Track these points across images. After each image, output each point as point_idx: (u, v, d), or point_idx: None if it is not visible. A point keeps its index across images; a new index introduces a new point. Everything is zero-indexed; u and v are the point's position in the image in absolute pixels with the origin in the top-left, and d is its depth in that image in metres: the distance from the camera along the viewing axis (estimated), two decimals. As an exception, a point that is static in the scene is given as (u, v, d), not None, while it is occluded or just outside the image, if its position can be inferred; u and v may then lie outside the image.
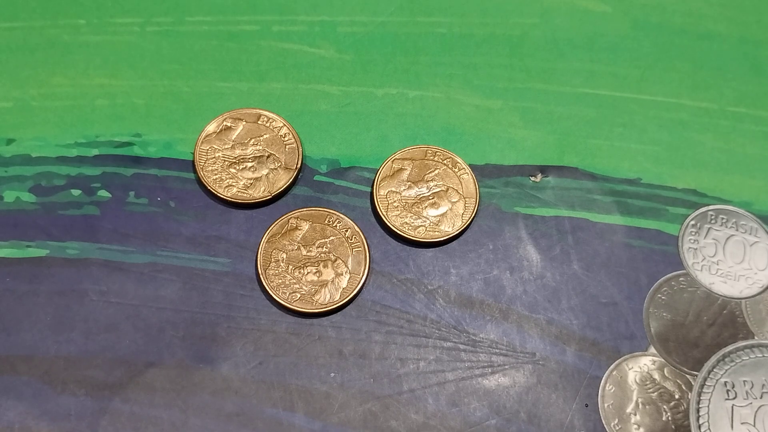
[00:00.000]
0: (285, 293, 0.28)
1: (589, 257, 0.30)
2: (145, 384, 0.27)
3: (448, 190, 0.30)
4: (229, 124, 0.31)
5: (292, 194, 0.31)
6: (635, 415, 0.27)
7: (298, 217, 0.30)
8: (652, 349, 0.28)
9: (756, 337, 0.27)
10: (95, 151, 0.31)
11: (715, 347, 0.27)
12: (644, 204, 0.31)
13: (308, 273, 0.29)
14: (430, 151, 0.31)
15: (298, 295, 0.28)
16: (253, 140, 0.31)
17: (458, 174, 0.31)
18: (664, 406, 0.27)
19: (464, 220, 0.30)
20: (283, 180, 0.30)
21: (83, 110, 0.32)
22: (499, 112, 0.33)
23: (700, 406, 0.24)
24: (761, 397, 0.24)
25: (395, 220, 0.30)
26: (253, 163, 0.31)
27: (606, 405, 0.27)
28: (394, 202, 0.30)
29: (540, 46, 0.34)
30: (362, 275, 0.29)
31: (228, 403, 0.27)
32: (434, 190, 0.30)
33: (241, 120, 0.32)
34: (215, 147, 0.31)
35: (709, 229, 0.29)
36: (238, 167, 0.30)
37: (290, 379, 0.27)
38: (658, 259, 0.30)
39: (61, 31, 0.34)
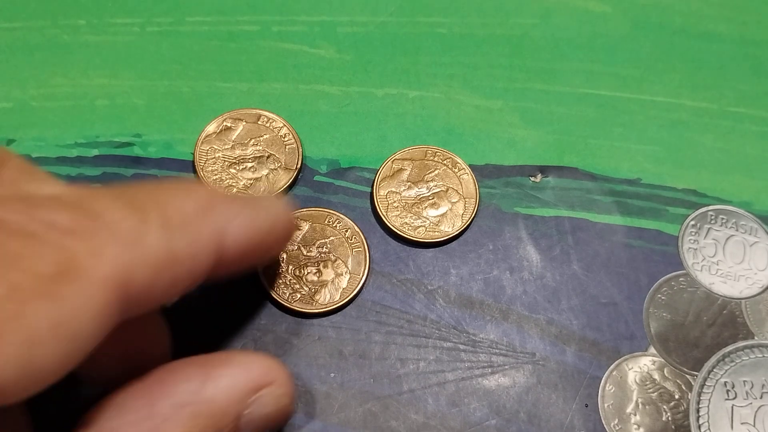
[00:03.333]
0: (285, 293, 0.28)
1: (589, 257, 0.30)
2: (145, 384, 0.27)
3: (448, 190, 0.30)
4: (229, 125, 0.31)
5: (292, 194, 0.31)
6: (635, 415, 0.27)
7: (298, 218, 0.30)
8: (652, 350, 0.28)
9: (756, 338, 0.27)
10: (95, 152, 0.31)
11: (715, 347, 0.27)
12: (644, 204, 0.31)
13: (308, 273, 0.29)
14: (430, 152, 0.31)
15: (299, 295, 0.28)
16: (253, 140, 0.31)
17: (458, 174, 0.31)
18: (664, 407, 0.27)
19: (464, 221, 0.30)
20: (283, 180, 0.30)
21: (83, 110, 0.32)
22: (499, 112, 0.33)
23: (700, 406, 0.24)
24: (761, 397, 0.24)
25: (395, 220, 0.30)
26: (253, 164, 0.31)
27: (606, 405, 0.27)
28: (394, 202, 0.30)
29: (540, 47, 0.34)
30: (362, 275, 0.29)
31: (228, 403, 0.27)
32: (434, 191, 0.30)
33: (241, 120, 0.32)
34: (215, 147, 0.31)
35: (709, 229, 0.29)
36: (238, 167, 0.31)
37: (290, 379, 0.27)
38: (658, 260, 0.30)
39: (61, 31, 0.34)
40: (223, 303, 0.28)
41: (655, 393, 0.27)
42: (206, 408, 0.19)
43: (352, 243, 0.29)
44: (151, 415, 0.19)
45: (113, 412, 0.19)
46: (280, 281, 0.28)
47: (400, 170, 0.31)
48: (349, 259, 0.29)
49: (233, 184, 0.30)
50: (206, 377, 0.20)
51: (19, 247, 0.16)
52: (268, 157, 0.31)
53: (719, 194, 0.31)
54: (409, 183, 0.31)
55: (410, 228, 0.30)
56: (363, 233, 0.29)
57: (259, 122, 0.32)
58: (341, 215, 0.30)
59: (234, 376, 0.21)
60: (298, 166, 0.31)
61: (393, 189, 0.30)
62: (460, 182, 0.31)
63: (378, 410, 0.27)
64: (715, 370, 0.25)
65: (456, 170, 0.31)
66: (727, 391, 0.25)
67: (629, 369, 0.28)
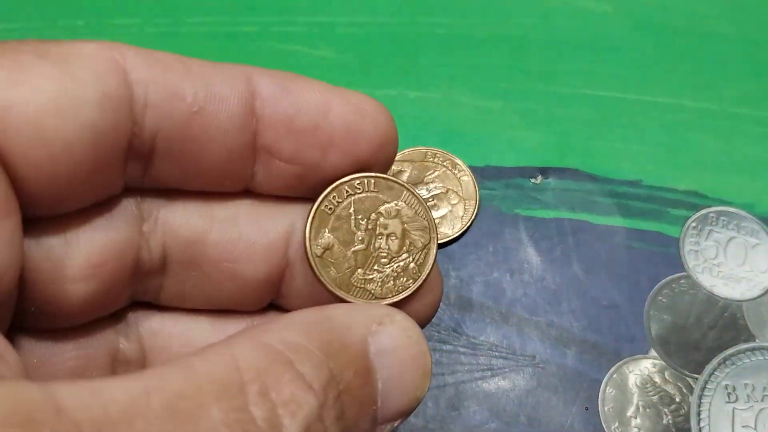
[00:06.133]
0: None
1: (589, 259, 0.30)
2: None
3: (447, 191, 0.30)
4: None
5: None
6: (636, 418, 0.27)
7: None
8: (653, 352, 0.28)
9: (757, 340, 0.27)
10: (94, 153, 0.31)
11: (716, 350, 0.27)
12: (645, 206, 0.31)
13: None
14: (429, 153, 0.31)
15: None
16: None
17: (458, 176, 0.31)
18: (665, 410, 0.27)
19: (464, 223, 0.30)
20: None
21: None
22: (499, 113, 0.33)
23: (701, 409, 0.24)
24: (762, 400, 0.24)
25: (395, 222, 0.30)
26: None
27: (606, 408, 0.27)
28: (394, 204, 0.30)
29: (541, 47, 0.34)
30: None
31: (227, 406, 0.27)
32: (434, 192, 0.30)
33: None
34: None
35: (710, 231, 0.29)
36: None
37: (289, 382, 0.27)
38: (658, 261, 0.29)
39: (60, 33, 0.34)
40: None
41: (656, 396, 0.27)
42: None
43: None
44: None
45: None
46: None
47: (400, 172, 0.31)
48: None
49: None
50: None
51: None
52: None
53: (721, 195, 0.31)
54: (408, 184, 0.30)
55: (410, 230, 0.29)
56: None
57: (258, 124, 0.31)
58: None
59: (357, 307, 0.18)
60: (298, 167, 0.31)
61: (393, 191, 0.30)
62: (460, 184, 0.30)
63: (377, 413, 0.27)
64: (716, 372, 0.25)
65: (456, 171, 0.31)
66: (728, 394, 0.25)
67: (630, 372, 0.28)
